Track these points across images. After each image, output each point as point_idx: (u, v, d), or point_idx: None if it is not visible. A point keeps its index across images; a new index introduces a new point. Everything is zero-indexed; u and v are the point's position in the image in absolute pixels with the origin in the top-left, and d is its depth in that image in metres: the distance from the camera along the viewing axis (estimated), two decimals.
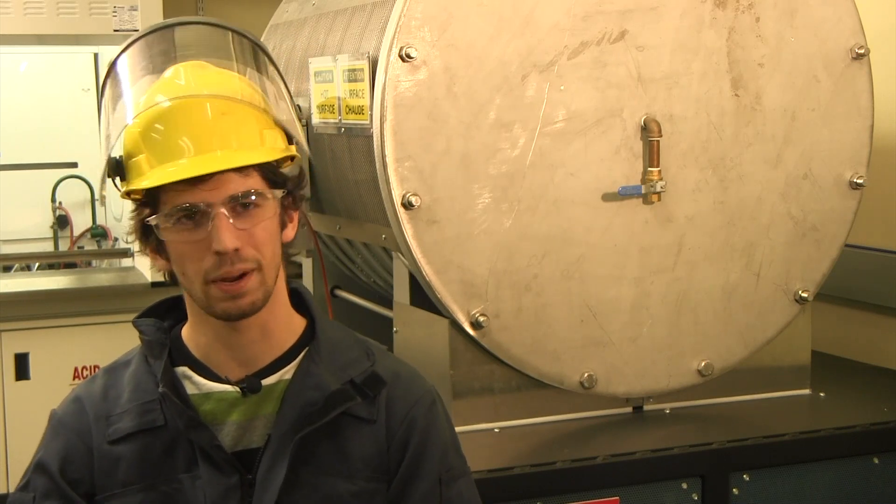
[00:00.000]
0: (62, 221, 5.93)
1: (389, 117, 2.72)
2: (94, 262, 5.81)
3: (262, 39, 2.09)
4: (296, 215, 1.95)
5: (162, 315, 2.00)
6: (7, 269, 5.67)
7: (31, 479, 1.90)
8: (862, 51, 3.08)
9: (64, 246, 5.91)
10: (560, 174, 2.85)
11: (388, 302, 3.27)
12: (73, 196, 5.92)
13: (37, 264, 5.74)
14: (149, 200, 1.84)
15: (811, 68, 3.05)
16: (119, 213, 5.68)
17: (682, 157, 2.96)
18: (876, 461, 2.91)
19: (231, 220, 1.79)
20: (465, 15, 2.75)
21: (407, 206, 2.74)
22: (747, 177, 3.02)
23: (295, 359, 1.93)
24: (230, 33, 2.03)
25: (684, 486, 2.75)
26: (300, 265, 3.78)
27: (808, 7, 3.04)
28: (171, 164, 1.80)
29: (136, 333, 1.97)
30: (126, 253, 5.55)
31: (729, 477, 2.78)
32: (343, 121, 3.04)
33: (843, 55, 3.08)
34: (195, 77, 1.90)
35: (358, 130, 2.95)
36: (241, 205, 1.81)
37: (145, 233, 1.87)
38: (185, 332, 1.96)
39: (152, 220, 1.82)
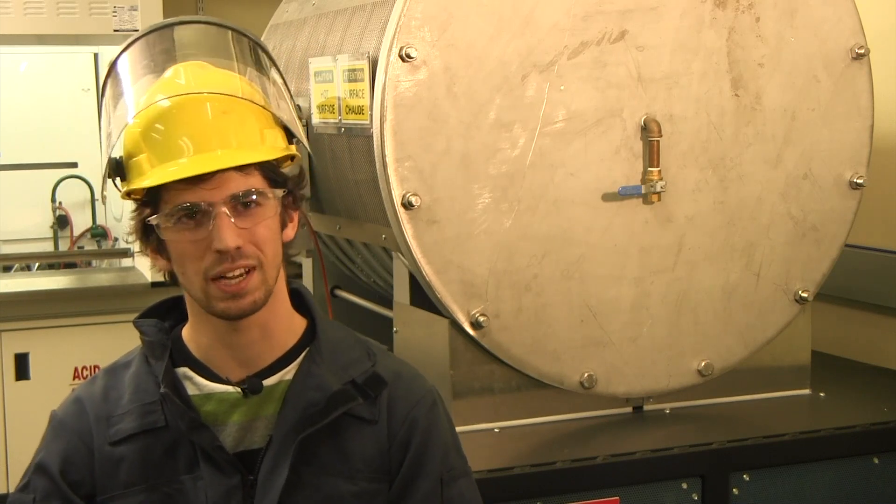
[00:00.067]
0: (62, 221, 5.93)
1: (389, 117, 2.72)
2: (94, 262, 5.81)
3: (262, 39, 2.09)
4: (296, 215, 1.95)
5: (162, 315, 2.00)
6: (7, 269, 5.67)
7: (32, 481, 1.89)
8: (862, 51, 3.09)
9: (64, 246, 5.91)
10: (560, 174, 2.85)
11: (388, 302, 3.27)
12: (73, 196, 5.92)
13: (37, 264, 5.75)
14: (149, 200, 1.84)
15: (811, 68, 3.05)
16: (119, 213, 5.68)
17: (682, 157, 2.96)
18: (876, 461, 2.92)
19: (232, 220, 1.79)
20: (465, 15, 2.75)
21: (407, 206, 2.74)
22: (747, 177, 3.02)
23: (296, 359, 1.93)
24: (230, 32, 2.03)
25: (684, 486, 2.75)
26: (300, 265, 3.78)
27: (808, 7, 3.04)
28: (172, 163, 1.80)
29: (136, 333, 1.97)
30: (126, 253, 5.56)
31: (729, 477, 2.78)
32: (343, 121, 3.04)
33: (843, 55, 3.08)
34: (195, 76, 1.90)
35: (358, 130, 2.95)
36: (242, 204, 1.81)
37: (146, 232, 1.87)
38: (186, 332, 1.96)
39: (153, 219, 1.82)
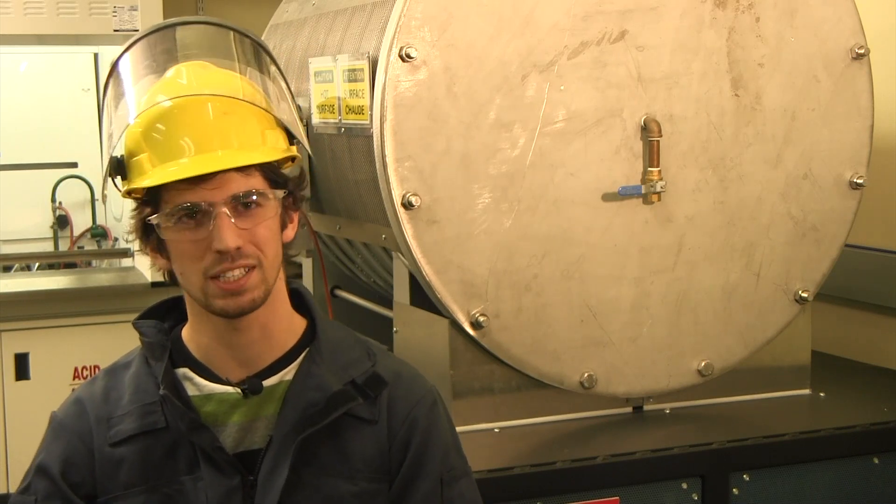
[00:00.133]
0: (62, 221, 5.93)
1: (389, 117, 2.72)
2: (94, 262, 5.81)
3: (262, 39, 2.09)
4: (296, 216, 1.95)
5: (162, 316, 2.00)
6: (7, 269, 5.67)
7: (33, 482, 1.89)
8: (862, 51, 3.09)
9: (64, 246, 5.91)
10: (560, 174, 2.85)
11: (388, 302, 3.27)
12: (73, 196, 5.92)
13: (37, 264, 5.75)
14: (150, 199, 1.84)
15: (811, 68, 3.05)
16: (119, 213, 5.68)
17: (682, 157, 2.96)
18: (876, 461, 2.92)
19: (233, 220, 1.80)
20: (465, 15, 2.75)
21: (407, 206, 2.74)
22: (747, 177, 3.02)
23: (296, 359, 1.93)
24: (232, 33, 2.03)
25: (684, 486, 2.75)
26: (300, 265, 3.78)
27: (808, 7, 3.04)
28: (173, 163, 1.80)
29: (136, 333, 1.97)
30: (126, 253, 5.56)
31: (729, 477, 2.78)
32: (343, 121, 3.04)
33: (843, 55, 3.08)
34: (197, 77, 1.90)
35: (358, 130, 2.95)
36: (242, 204, 1.81)
37: (146, 232, 1.87)
38: (186, 332, 1.96)
39: (153, 219, 1.83)
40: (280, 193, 1.86)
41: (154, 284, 4.87)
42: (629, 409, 3.03)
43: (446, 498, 1.92)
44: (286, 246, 1.92)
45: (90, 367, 4.90)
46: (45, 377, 4.87)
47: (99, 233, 5.94)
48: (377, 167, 2.77)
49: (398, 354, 2.92)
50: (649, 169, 2.89)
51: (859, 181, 3.12)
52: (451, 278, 2.79)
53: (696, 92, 2.95)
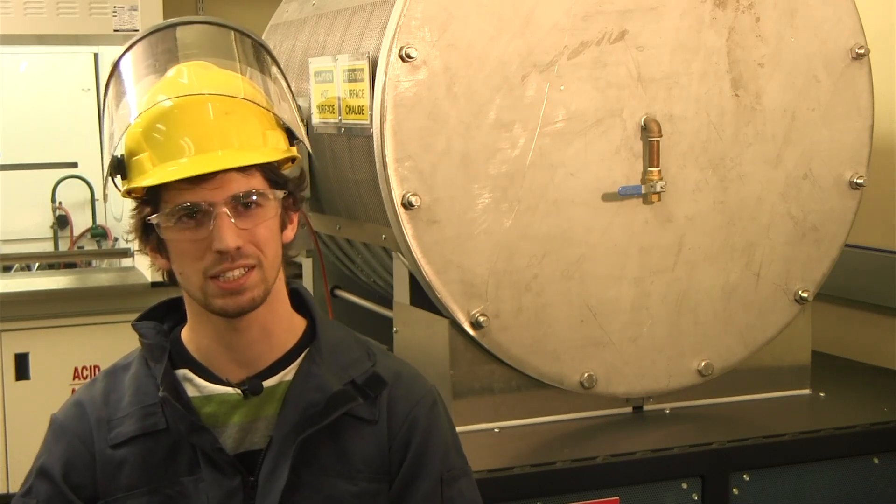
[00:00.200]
0: (62, 221, 5.94)
1: (389, 117, 2.72)
2: (94, 262, 5.81)
3: (262, 39, 2.09)
4: (296, 216, 1.95)
5: (161, 317, 1.99)
6: (7, 269, 5.68)
7: (34, 485, 1.89)
8: (862, 51, 3.09)
9: (64, 246, 5.92)
10: (560, 174, 2.85)
11: (388, 302, 3.27)
12: (73, 196, 5.92)
13: (37, 264, 5.75)
14: (150, 199, 1.84)
15: (811, 68, 3.05)
16: (119, 213, 5.68)
17: (682, 157, 2.96)
18: (876, 461, 2.92)
19: (233, 220, 1.79)
20: (465, 15, 2.75)
21: (407, 206, 2.74)
22: (747, 177, 3.02)
23: (296, 360, 1.93)
24: (233, 33, 2.03)
25: (684, 486, 2.75)
26: (300, 265, 3.78)
27: (808, 7, 3.04)
28: (173, 162, 1.80)
29: (136, 333, 1.97)
30: (126, 253, 5.56)
31: (729, 477, 2.78)
32: (343, 121, 3.04)
33: (843, 55, 3.08)
34: (198, 76, 1.90)
35: (358, 130, 2.95)
36: (242, 204, 1.81)
37: (146, 231, 1.87)
38: (185, 333, 1.96)
39: (153, 218, 1.82)
40: (280, 194, 1.86)
41: (154, 284, 4.87)
42: (629, 409, 3.03)
43: (446, 497, 1.92)
44: (286, 246, 1.92)
45: (90, 368, 4.90)
46: (45, 377, 4.88)
47: (99, 233, 5.94)
48: (377, 167, 2.77)
49: (398, 354, 2.92)
50: (649, 169, 2.89)
51: (859, 181, 3.12)
52: (451, 278, 2.79)
53: (696, 92, 2.95)
